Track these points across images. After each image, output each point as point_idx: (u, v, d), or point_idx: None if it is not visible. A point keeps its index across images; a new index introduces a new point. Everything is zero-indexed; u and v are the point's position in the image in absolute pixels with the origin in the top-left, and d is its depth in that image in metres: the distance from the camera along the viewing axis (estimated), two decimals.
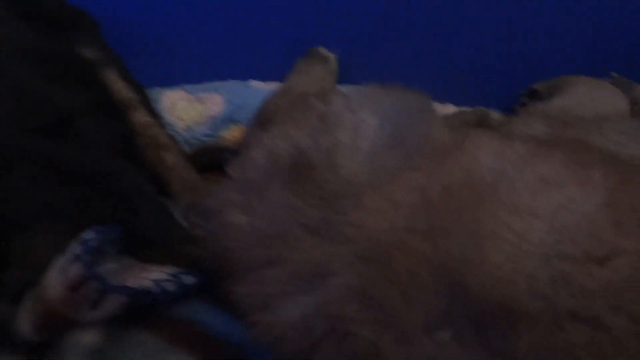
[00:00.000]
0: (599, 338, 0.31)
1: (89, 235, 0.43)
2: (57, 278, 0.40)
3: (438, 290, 0.35)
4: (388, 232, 0.38)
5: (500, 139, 0.45)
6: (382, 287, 0.36)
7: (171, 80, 0.81)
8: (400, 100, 0.47)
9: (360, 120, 0.47)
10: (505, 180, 0.38)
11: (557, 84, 0.71)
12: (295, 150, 0.44)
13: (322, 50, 0.72)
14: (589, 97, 0.64)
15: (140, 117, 0.65)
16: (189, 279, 0.44)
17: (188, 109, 0.73)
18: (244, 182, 0.46)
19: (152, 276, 0.43)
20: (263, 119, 0.59)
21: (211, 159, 0.69)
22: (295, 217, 0.40)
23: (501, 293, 0.33)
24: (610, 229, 0.35)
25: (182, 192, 0.61)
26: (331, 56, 0.71)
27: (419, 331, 0.34)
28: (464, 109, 0.73)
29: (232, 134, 0.71)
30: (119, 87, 0.66)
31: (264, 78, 0.80)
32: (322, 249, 0.39)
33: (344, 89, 0.72)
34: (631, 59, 0.72)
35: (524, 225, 0.36)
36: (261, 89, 0.75)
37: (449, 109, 0.75)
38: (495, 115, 0.69)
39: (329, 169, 0.43)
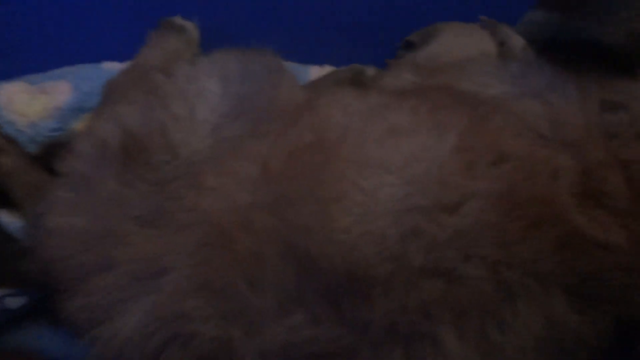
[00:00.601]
0: (453, 290, 0.29)
1: None
2: None
3: (287, 269, 0.31)
4: (230, 211, 0.33)
5: (355, 93, 0.42)
6: (226, 274, 0.32)
7: (9, 72, 0.71)
8: (246, 63, 0.42)
9: (202, 90, 0.41)
10: (352, 135, 0.35)
11: (429, 33, 0.70)
12: (124, 133, 0.38)
13: (177, 20, 0.65)
14: (457, 42, 0.63)
15: None
16: (15, 302, 0.37)
17: (30, 103, 0.63)
18: (73, 177, 0.40)
19: None
20: (105, 102, 0.52)
21: None
22: (126, 210, 0.35)
23: (350, 260, 0.30)
24: (461, 173, 0.33)
25: (27, 199, 0.54)
26: (188, 25, 0.65)
27: (270, 318, 0.31)
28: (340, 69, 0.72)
29: (85, 124, 0.63)
30: None
31: (119, 58, 0.71)
32: (157, 242, 0.33)
33: None
34: (500, 2, 0.73)
35: (374, 181, 0.33)
36: (116, 70, 0.67)
37: (328, 69, 0.73)
38: (370, 71, 0.66)
39: (165, 148, 0.37)
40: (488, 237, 0.31)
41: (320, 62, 0.71)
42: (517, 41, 0.66)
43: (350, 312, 0.30)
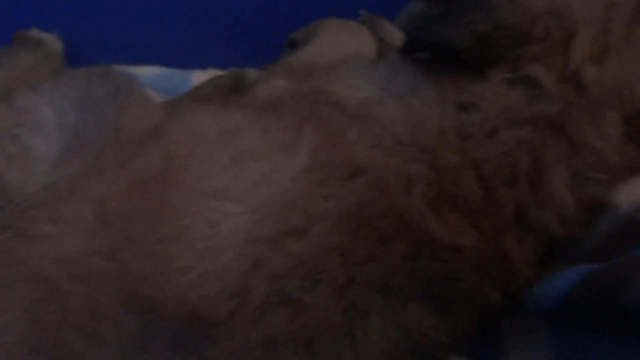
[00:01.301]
0: (300, 319, 0.29)
1: None
2: None
3: (128, 319, 0.30)
4: (62, 262, 0.31)
5: (210, 112, 0.40)
6: (60, 331, 0.30)
7: None
8: (87, 87, 0.39)
9: (38, 122, 0.38)
10: (197, 162, 0.33)
11: (311, 31, 0.70)
12: None
13: (34, 33, 0.59)
14: (334, 42, 0.63)
15: None
16: None
17: None
18: None
19: None
20: None
21: None
22: None
23: (191, 302, 0.29)
24: (310, 195, 0.33)
25: None
26: (48, 37, 0.59)
27: None
28: (222, 73, 0.69)
29: None
30: None
31: None
32: None
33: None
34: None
35: (219, 212, 0.32)
36: None
37: (212, 73, 0.70)
38: (251, 75, 0.65)
39: None
40: (335, 260, 0.31)
41: (203, 66, 0.69)
42: (396, 36, 0.67)
43: (196, 357, 0.29)
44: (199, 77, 0.65)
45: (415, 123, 0.41)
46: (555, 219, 0.40)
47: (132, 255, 0.29)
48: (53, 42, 0.57)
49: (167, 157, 0.34)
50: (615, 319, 0.35)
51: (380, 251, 0.31)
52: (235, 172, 0.32)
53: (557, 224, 0.40)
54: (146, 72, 0.63)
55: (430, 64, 0.45)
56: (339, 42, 0.59)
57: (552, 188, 0.40)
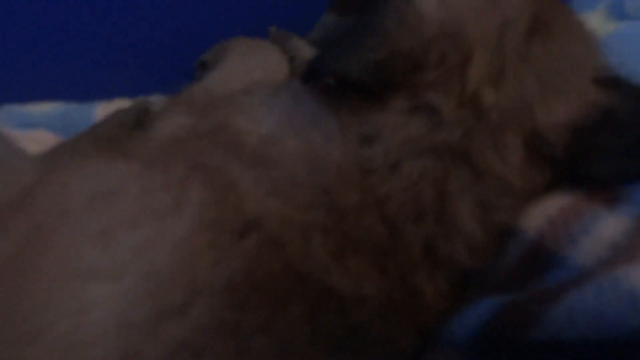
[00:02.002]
0: None
1: None
2: None
3: None
4: None
5: (90, 167, 0.37)
6: None
7: None
8: None
9: None
10: (64, 237, 0.30)
11: (220, 51, 0.66)
12: None
13: None
14: (241, 66, 0.60)
15: None
16: None
17: None
18: None
19: None
20: None
21: None
22: None
23: None
24: (194, 263, 0.30)
25: None
26: None
27: None
28: (128, 103, 0.65)
29: None
30: None
31: None
32: None
33: None
34: (292, 9, 0.71)
35: (87, 297, 0.29)
36: None
37: (119, 104, 0.66)
38: (157, 106, 0.61)
39: None
40: (222, 339, 0.28)
41: (107, 96, 0.65)
42: (308, 53, 0.65)
43: None
44: (103, 109, 0.61)
45: (315, 161, 0.39)
46: (464, 251, 0.39)
47: None
48: None
49: (30, 233, 0.30)
50: (529, 355, 0.35)
51: (275, 318, 0.29)
52: (107, 246, 0.29)
53: (466, 256, 0.39)
54: (41, 110, 0.58)
55: (332, 92, 0.44)
56: (246, 65, 0.56)
57: (459, 219, 0.39)
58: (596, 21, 0.56)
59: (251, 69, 0.56)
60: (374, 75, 0.39)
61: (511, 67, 0.40)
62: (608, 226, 0.35)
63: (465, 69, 0.39)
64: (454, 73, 0.39)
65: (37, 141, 0.57)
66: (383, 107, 0.40)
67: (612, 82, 0.42)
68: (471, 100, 0.39)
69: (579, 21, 0.44)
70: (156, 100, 0.64)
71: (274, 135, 0.43)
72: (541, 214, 0.39)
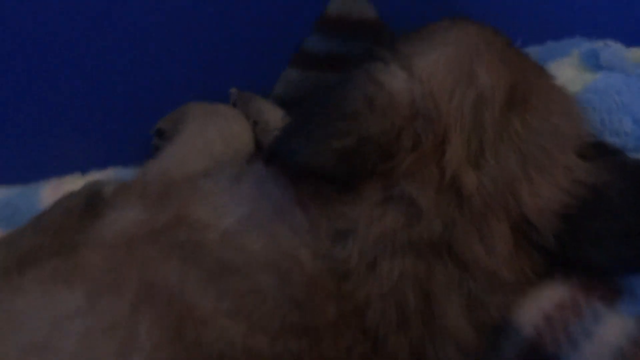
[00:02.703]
0: None
1: None
2: None
3: None
4: None
5: (26, 305, 0.32)
6: None
7: None
8: None
9: None
10: None
11: (178, 117, 0.62)
12: None
13: None
14: (200, 137, 0.55)
15: None
16: None
17: None
18: None
19: None
20: None
21: None
22: None
23: None
24: None
25: None
26: None
27: None
28: (80, 180, 0.60)
29: None
30: None
31: None
32: None
33: None
34: (252, 67, 0.66)
35: None
36: None
37: (70, 183, 0.61)
38: (110, 188, 0.56)
39: None
40: None
41: (57, 172, 0.57)
42: (273, 116, 0.61)
43: None
44: (52, 190, 0.54)
45: (284, 270, 0.35)
46: (455, 354, 0.35)
47: None
48: None
49: None
50: None
51: None
52: None
53: (456, 357, 0.36)
54: None
55: (297, 179, 0.40)
56: (205, 137, 0.52)
57: (447, 321, 0.35)
58: (571, 71, 0.54)
59: (211, 141, 0.52)
60: (343, 165, 0.35)
61: (491, 145, 0.37)
62: (611, 328, 0.32)
63: (442, 152, 0.36)
64: (430, 158, 0.36)
65: None
66: (355, 197, 0.36)
67: (596, 152, 0.40)
68: (450, 186, 0.36)
69: (558, 87, 0.41)
70: (112, 174, 0.59)
71: (237, 231, 0.39)
72: (536, 310, 0.35)
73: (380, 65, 0.40)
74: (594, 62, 0.52)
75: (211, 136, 0.51)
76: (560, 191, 0.36)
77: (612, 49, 0.49)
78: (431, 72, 0.39)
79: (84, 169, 0.59)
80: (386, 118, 0.36)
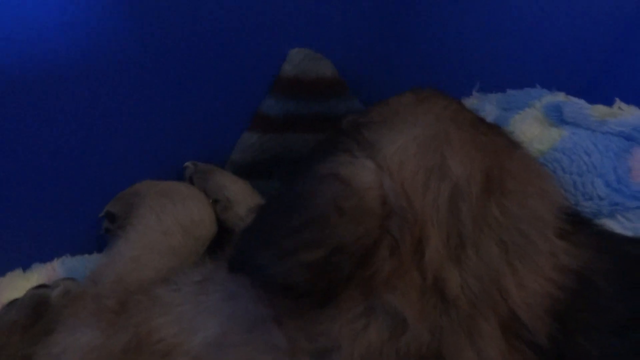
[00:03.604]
0: None
1: None
2: None
3: None
4: None
5: None
6: None
7: None
8: None
9: None
10: None
11: (128, 200, 0.55)
12: None
13: None
14: (156, 226, 0.48)
15: None
16: None
17: None
18: None
19: None
20: None
21: None
22: None
23: None
24: None
25: None
26: None
27: None
28: (20, 283, 0.52)
29: None
30: None
31: None
32: None
33: None
34: (208, 136, 0.58)
35: None
36: None
37: (10, 280, 0.54)
38: (58, 290, 0.51)
39: None
40: None
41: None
42: (234, 190, 0.57)
43: None
44: None
45: None
46: None
47: None
48: None
49: None
50: None
51: None
52: None
53: None
54: None
55: (270, 293, 0.37)
56: (162, 226, 0.47)
57: None
58: (536, 127, 0.53)
59: (169, 234, 0.48)
60: (316, 278, 0.33)
61: (471, 239, 0.35)
62: None
63: (422, 254, 0.34)
64: (410, 262, 0.34)
65: None
66: (334, 311, 0.34)
67: (573, 227, 0.39)
68: (434, 289, 0.34)
69: (530, 163, 0.40)
70: (58, 267, 0.54)
71: (210, 356, 0.36)
72: None
73: (344, 157, 0.37)
74: (557, 117, 0.51)
75: (169, 227, 0.47)
76: (547, 282, 0.35)
77: (576, 105, 0.49)
78: (400, 161, 0.37)
79: (25, 265, 0.54)
80: (359, 223, 0.33)
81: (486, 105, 0.60)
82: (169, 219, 0.48)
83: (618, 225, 0.40)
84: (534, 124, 0.51)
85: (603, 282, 0.35)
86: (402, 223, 0.34)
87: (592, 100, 0.48)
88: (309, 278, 0.32)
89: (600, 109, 0.46)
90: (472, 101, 0.64)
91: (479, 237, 0.35)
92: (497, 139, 0.41)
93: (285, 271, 0.33)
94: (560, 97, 0.52)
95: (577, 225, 0.39)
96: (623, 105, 0.46)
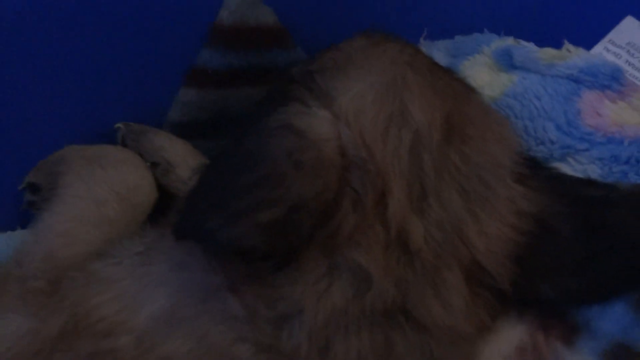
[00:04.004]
0: None
1: None
2: None
3: None
4: None
5: None
6: None
7: None
8: None
9: None
10: None
11: (53, 168, 0.46)
12: None
13: None
14: (86, 197, 0.41)
15: None
16: None
17: None
18: None
19: None
20: None
21: None
22: None
23: None
24: None
25: None
26: None
27: None
28: None
29: None
30: None
31: None
32: None
33: None
34: (140, 94, 0.50)
35: None
36: None
37: None
38: None
39: None
40: None
41: None
42: (174, 152, 0.51)
43: None
44: None
45: None
46: None
47: None
48: None
49: None
50: None
51: None
52: None
53: None
54: None
55: (223, 259, 0.34)
56: (94, 196, 0.42)
57: None
58: (487, 73, 0.52)
59: (102, 202, 0.42)
60: (274, 240, 0.30)
61: (432, 188, 0.33)
62: None
63: (385, 206, 0.32)
64: (373, 215, 0.32)
65: None
66: (295, 273, 0.31)
67: (529, 171, 0.39)
68: (397, 242, 0.32)
69: (488, 108, 0.39)
70: None
71: (157, 332, 0.32)
72: (496, 354, 0.35)
73: (297, 107, 0.34)
74: (507, 62, 0.50)
75: (101, 195, 0.42)
76: (507, 227, 0.34)
77: (525, 49, 0.48)
78: (357, 109, 0.34)
79: None
80: (317, 177, 0.31)
81: (434, 53, 0.58)
82: (100, 187, 0.42)
83: (569, 168, 0.41)
84: (483, 70, 0.51)
85: (560, 224, 0.35)
86: (364, 175, 0.32)
87: (540, 42, 0.48)
88: (265, 240, 0.30)
89: (548, 52, 0.46)
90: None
91: (440, 186, 0.34)
92: (453, 83, 0.39)
93: (239, 234, 0.30)
94: (509, 41, 0.51)
95: (533, 169, 0.39)
96: (571, 47, 0.47)
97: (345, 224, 0.31)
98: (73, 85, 0.48)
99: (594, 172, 0.40)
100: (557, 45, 0.48)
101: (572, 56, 0.45)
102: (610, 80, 0.43)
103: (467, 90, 0.39)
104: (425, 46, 0.62)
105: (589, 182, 0.38)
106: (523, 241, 0.34)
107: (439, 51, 0.59)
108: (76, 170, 0.44)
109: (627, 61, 0.47)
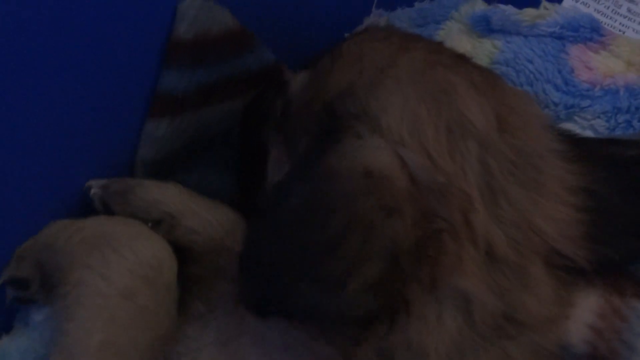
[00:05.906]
0: None
1: None
2: None
3: None
4: None
5: None
6: None
7: None
8: None
9: None
10: None
11: (40, 258, 0.36)
12: None
13: None
14: (109, 296, 0.32)
15: None
16: None
17: None
18: None
19: None
20: None
21: None
22: None
23: None
24: None
25: None
26: None
27: None
28: None
29: None
30: None
31: None
32: None
33: None
34: (102, 140, 0.42)
35: None
36: None
37: None
38: None
39: None
40: None
41: None
42: (171, 201, 0.43)
43: None
44: None
45: None
46: None
47: None
48: None
49: None
50: None
51: None
52: None
53: None
54: None
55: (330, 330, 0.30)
56: (117, 290, 0.32)
57: None
58: (467, 41, 0.51)
59: (131, 292, 0.34)
60: (387, 295, 0.28)
61: (500, 190, 0.32)
62: None
63: (472, 225, 0.31)
64: (463, 237, 0.31)
65: None
66: (404, 318, 0.30)
67: (566, 146, 0.39)
68: (486, 255, 0.32)
69: (514, 89, 0.39)
70: None
71: None
72: (583, 326, 0.36)
73: (352, 141, 0.31)
74: (485, 26, 0.50)
75: (127, 284, 0.34)
76: (567, 207, 0.36)
77: (504, 12, 0.48)
78: (412, 126, 0.32)
79: None
80: (403, 216, 0.28)
81: (396, 24, 0.56)
82: (121, 275, 0.34)
83: (577, 126, 0.43)
84: (462, 37, 0.50)
85: (608, 191, 0.37)
86: (446, 200, 0.31)
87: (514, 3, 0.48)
88: (379, 299, 0.28)
89: (530, 12, 0.46)
90: (373, 20, 0.60)
91: (505, 187, 0.33)
92: (475, 71, 0.38)
93: (349, 302, 0.27)
94: (478, 4, 0.51)
95: (562, 140, 0.40)
96: (548, 4, 0.48)
97: (444, 255, 0.30)
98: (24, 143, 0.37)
99: (601, 125, 0.42)
100: (534, 4, 0.48)
101: (551, 13, 0.47)
102: (591, 32, 0.45)
103: (493, 76, 0.38)
104: (379, 16, 0.60)
105: (612, 141, 0.41)
106: (583, 217, 0.36)
107: (401, 22, 0.56)
108: (83, 261, 0.35)
109: (595, 9, 0.50)
